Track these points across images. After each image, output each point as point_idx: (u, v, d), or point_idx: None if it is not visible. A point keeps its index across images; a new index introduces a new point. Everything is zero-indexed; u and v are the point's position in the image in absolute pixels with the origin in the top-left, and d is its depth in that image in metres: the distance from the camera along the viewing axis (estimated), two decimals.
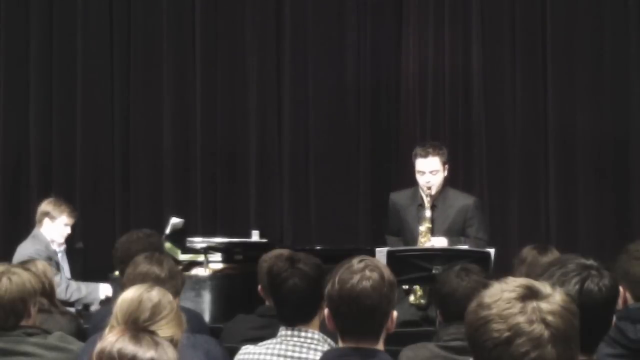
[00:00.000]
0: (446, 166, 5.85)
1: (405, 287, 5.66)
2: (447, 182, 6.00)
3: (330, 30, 7.93)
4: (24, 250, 5.99)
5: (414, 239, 5.83)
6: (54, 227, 6.14)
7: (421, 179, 5.81)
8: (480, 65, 7.69)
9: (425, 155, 5.80)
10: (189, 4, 8.02)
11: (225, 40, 8.01)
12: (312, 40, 7.92)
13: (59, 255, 6.23)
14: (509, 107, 7.67)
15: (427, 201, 5.80)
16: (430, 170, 5.79)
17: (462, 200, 5.94)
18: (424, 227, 5.76)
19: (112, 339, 2.22)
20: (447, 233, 5.79)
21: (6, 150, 8.06)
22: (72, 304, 5.92)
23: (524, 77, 7.67)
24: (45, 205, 6.21)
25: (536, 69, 7.65)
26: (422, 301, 5.72)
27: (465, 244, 5.74)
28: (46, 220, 6.14)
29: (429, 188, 5.78)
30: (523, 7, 7.66)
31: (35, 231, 6.17)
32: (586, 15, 7.59)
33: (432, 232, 5.77)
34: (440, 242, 5.72)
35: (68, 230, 6.22)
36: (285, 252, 4.13)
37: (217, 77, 8.00)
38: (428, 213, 5.76)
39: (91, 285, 6.08)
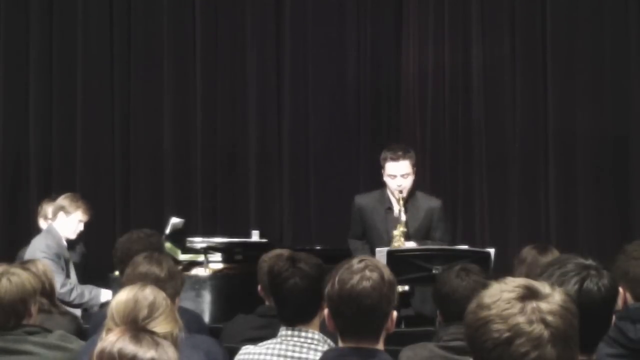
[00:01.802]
0: (415, 169, 5.85)
1: None
2: (415, 185, 6.00)
3: (330, 30, 7.93)
4: (36, 244, 5.99)
5: (383, 243, 5.71)
6: (68, 222, 6.13)
7: (392, 183, 5.79)
8: (480, 65, 7.68)
9: (397, 159, 5.78)
10: (189, 3, 8.02)
11: (225, 40, 8.01)
12: (312, 40, 7.92)
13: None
14: (509, 107, 7.67)
15: (400, 204, 5.74)
16: (401, 174, 5.77)
17: (429, 203, 5.93)
18: (398, 231, 5.71)
19: (112, 339, 2.22)
20: (414, 234, 5.77)
21: (6, 150, 8.06)
22: (74, 305, 5.92)
23: (524, 77, 7.67)
24: (62, 200, 6.19)
25: (536, 69, 7.65)
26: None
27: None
28: (61, 214, 6.12)
29: (401, 192, 5.77)
30: (523, 7, 7.66)
31: (49, 226, 6.16)
32: (586, 15, 7.59)
33: (407, 236, 5.74)
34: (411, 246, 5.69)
35: (81, 227, 6.21)
36: (285, 252, 4.14)
37: (217, 77, 8.00)
38: (404, 217, 5.73)
39: (94, 291, 6.07)
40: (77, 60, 8.03)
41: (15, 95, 8.08)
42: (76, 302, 5.95)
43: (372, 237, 5.87)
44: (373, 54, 7.87)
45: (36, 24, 8.07)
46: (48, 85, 8.07)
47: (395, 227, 5.74)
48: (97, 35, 8.05)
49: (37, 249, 5.83)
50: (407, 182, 5.80)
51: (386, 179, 5.82)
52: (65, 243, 6.11)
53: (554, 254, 4.50)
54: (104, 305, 5.57)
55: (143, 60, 8.07)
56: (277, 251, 4.46)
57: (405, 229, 5.72)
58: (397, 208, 5.79)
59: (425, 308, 5.61)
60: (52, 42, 8.08)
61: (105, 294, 5.98)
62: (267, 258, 4.42)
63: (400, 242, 5.69)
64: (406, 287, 5.62)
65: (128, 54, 8.07)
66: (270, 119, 7.97)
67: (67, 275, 6.05)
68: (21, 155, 8.07)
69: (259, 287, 4.37)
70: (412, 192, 5.88)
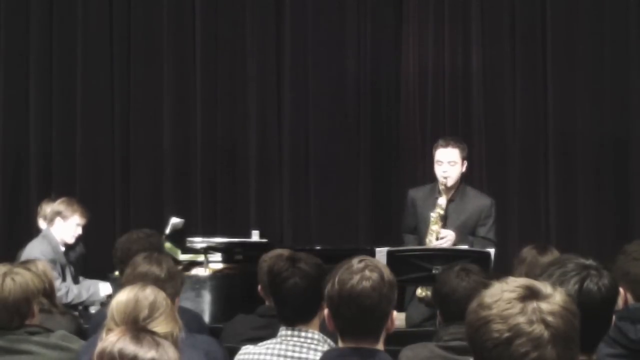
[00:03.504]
0: (465, 162, 5.92)
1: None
2: (466, 180, 6.05)
3: (330, 30, 7.93)
4: (30, 249, 5.97)
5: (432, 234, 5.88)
6: (66, 227, 6.11)
7: (439, 169, 5.90)
8: (480, 65, 7.69)
9: (446, 146, 5.91)
10: (189, 4, 8.02)
11: (225, 40, 8.01)
12: (312, 40, 7.92)
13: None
14: (509, 107, 7.67)
15: (442, 191, 5.87)
16: (448, 161, 5.87)
17: (479, 200, 6.02)
18: (435, 214, 5.81)
19: (113, 339, 2.22)
20: (459, 229, 5.83)
21: (6, 150, 8.06)
22: (74, 306, 5.93)
23: (524, 77, 7.67)
24: (58, 205, 6.17)
25: (536, 69, 7.65)
26: (429, 292, 5.74)
27: (472, 243, 5.79)
28: (58, 220, 6.10)
29: (445, 178, 5.84)
30: (523, 7, 7.66)
31: (45, 231, 6.13)
32: (586, 15, 7.59)
33: (445, 220, 5.81)
34: (450, 235, 5.75)
35: (79, 231, 6.20)
36: (285, 252, 4.14)
37: (217, 77, 8.00)
38: (442, 200, 5.81)
39: (92, 287, 6.07)
40: (77, 60, 8.03)
41: (15, 95, 8.08)
42: (75, 302, 5.96)
43: (422, 228, 5.93)
44: (373, 54, 7.87)
45: (36, 24, 8.07)
46: (48, 85, 8.07)
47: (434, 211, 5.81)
48: (97, 35, 8.04)
49: (31, 255, 5.80)
50: (453, 171, 5.87)
51: (435, 166, 5.92)
52: (62, 248, 6.10)
53: (553, 254, 4.50)
54: (105, 304, 5.58)
55: (143, 60, 8.06)
56: (277, 251, 4.46)
57: (442, 212, 5.78)
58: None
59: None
60: (52, 42, 8.07)
61: (104, 288, 5.98)
62: (267, 258, 4.42)
63: (438, 226, 5.76)
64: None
65: (128, 54, 8.06)
66: (270, 119, 7.97)
67: (64, 280, 6.04)
68: (21, 155, 8.07)
69: (259, 287, 4.37)
70: (462, 187, 5.97)
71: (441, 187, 5.88)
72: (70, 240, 6.17)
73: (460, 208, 5.90)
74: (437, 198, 5.90)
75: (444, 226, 5.81)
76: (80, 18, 8.03)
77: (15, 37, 8.08)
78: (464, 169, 5.94)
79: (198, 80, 8.00)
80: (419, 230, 5.98)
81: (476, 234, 5.91)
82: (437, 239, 5.78)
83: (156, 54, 8.02)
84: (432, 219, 5.82)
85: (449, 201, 5.89)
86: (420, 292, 5.80)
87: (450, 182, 5.87)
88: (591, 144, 7.56)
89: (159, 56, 8.01)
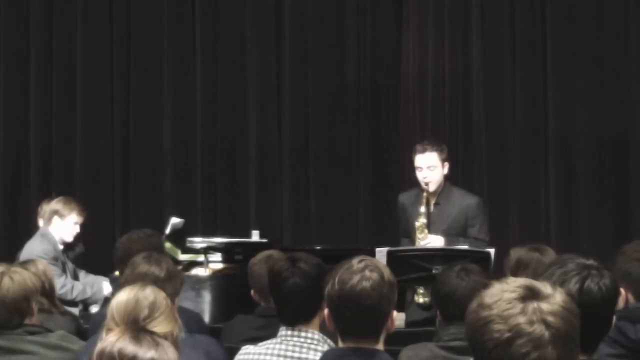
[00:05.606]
0: (446, 164, 5.83)
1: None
2: (450, 181, 6.00)
3: (330, 30, 7.93)
4: (31, 249, 5.97)
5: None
6: (64, 226, 6.12)
7: (419, 175, 5.81)
8: (480, 65, 7.68)
9: (423, 151, 5.81)
10: (189, 4, 8.02)
11: (225, 40, 8.01)
12: (312, 41, 7.92)
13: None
14: (509, 107, 7.67)
15: (423, 197, 5.77)
16: (427, 166, 5.78)
17: (465, 200, 5.91)
18: (419, 223, 5.74)
19: (112, 339, 2.22)
20: (448, 231, 5.77)
21: (6, 150, 8.06)
22: (75, 304, 5.93)
23: (524, 77, 7.66)
24: (55, 204, 6.17)
25: (536, 69, 7.65)
26: (427, 299, 5.71)
27: (464, 244, 5.73)
28: (55, 219, 6.11)
29: (427, 184, 5.77)
30: (523, 7, 7.65)
31: (43, 229, 6.13)
32: (586, 15, 7.59)
33: (429, 227, 5.76)
34: (437, 240, 5.71)
35: (77, 229, 6.20)
36: (275, 252, 4.17)
37: (217, 77, 8.00)
38: (423, 209, 5.74)
39: (95, 285, 6.08)
40: (77, 60, 8.03)
41: (15, 95, 8.08)
42: (79, 299, 5.97)
43: (411, 233, 5.88)
44: (373, 54, 7.87)
45: (36, 24, 8.07)
46: (48, 85, 8.07)
47: (418, 220, 5.77)
48: (97, 35, 8.04)
49: (33, 254, 5.80)
50: (434, 175, 5.78)
51: (416, 172, 5.84)
52: (61, 246, 6.11)
53: (541, 251, 4.46)
54: (105, 304, 5.58)
55: (143, 60, 8.07)
56: (266, 253, 4.48)
57: (425, 221, 5.72)
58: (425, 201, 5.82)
59: None
60: (52, 42, 8.08)
61: (107, 286, 5.98)
62: (257, 261, 4.43)
63: (424, 234, 5.72)
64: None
65: (128, 54, 8.06)
66: (270, 119, 7.97)
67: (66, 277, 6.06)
68: (21, 155, 8.07)
69: (252, 291, 4.36)
70: (447, 188, 5.89)
71: (424, 194, 5.79)
72: (69, 238, 6.17)
73: (446, 211, 5.82)
74: (421, 205, 5.83)
75: (430, 232, 5.75)
76: (80, 18, 8.03)
77: (15, 37, 8.08)
78: (445, 171, 5.83)
79: (198, 80, 8.00)
80: (411, 235, 5.93)
81: (468, 235, 5.83)
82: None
83: (156, 54, 8.02)
84: (417, 227, 5.75)
85: (435, 204, 5.82)
86: (417, 298, 5.74)
87: (432, 187, 5.77)
88: (591, 144, 7.55)
89: (159, 56, 8.01)
